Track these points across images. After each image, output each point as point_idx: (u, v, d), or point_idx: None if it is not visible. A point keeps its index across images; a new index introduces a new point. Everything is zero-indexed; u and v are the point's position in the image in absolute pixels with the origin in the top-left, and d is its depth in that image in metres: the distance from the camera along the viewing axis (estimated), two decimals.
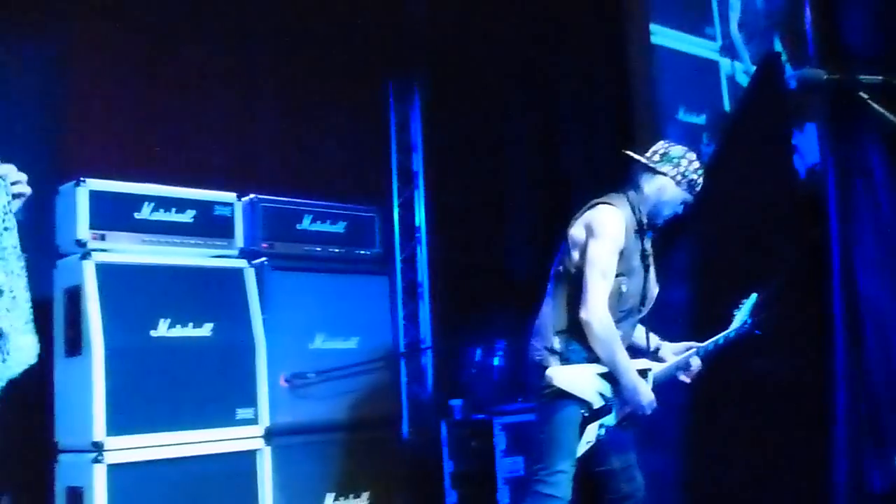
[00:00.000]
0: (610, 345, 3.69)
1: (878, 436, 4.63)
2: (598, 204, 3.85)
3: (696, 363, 3.98)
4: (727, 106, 6.50)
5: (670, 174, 3.86)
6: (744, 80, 6.45)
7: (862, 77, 2.50)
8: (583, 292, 3.70)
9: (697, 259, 5.52)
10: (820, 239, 5.09)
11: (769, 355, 4.70)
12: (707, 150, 6.10)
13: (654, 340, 4.10)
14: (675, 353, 4.03)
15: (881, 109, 2.47)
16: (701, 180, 3.90)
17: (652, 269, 3.94)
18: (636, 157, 3.93)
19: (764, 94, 5.52)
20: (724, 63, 6.57)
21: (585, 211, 3.86)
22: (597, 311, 3.67)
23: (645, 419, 3.84)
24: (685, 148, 3.95)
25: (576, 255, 3.80)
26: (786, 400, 4.97)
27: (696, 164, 3.90)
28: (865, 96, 2.48)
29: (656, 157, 3.91)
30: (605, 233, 3.74)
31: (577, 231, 3.83)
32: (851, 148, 4.93)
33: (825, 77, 2.58)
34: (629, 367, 3.74)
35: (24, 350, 2.71)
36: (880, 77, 2.48)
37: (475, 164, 6.89)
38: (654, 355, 4.06)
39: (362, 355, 5.47)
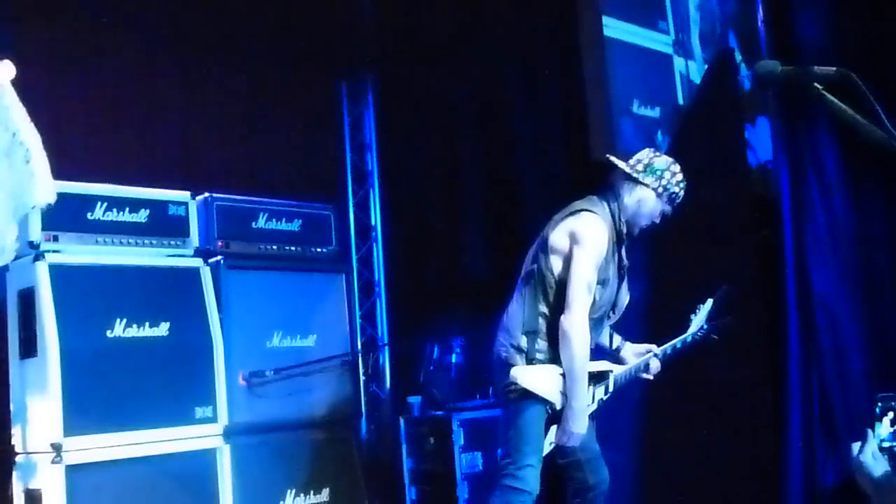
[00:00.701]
0: (580, 362, 3.71)
1: (831, 429, 4.74)
2: (582, 211, 3.83)
3: (655, 364, 4.05)
4: (681, 100, 6.57)
5: (652, 186, 3.85)
6: (698, 80, 6.53)
7: (816, 69, 2.54)
8: (567, 301, 3.70)
9: (651, 258, 5.49)
10: (773, 236, 5.21)
11: (723, 353, 4.77)
12: (662, 144, 6.19)
13: (616, 340, 4.17)
14: (636, 355, 4.10)
15: (836, 101, 2.51)
16: (682, 193, 3.91)
17: (625, 279, 3.96)
18: (619, 163, 3.91)
19: (717, 90, 5.60)
20: (678, 61, 6.64)
21: (567, 216, 3.84)
22: (580, 325, 3.68)
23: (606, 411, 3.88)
24: (670, 159, 3.94)
25: (554, 259, 3.79)
26: (740, 397, 5.06)
27: (679, 177, 3.90)
28: (820, 87, 2.52)
29: (640, 167, 3.88)
30: (591, 244, 3.73)
31: (558, 237, 3.81)
32: (805, 143, 5.04)
33: (780, 69, 2.61)
34: (584, 394, 3.75)
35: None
36: (834, 69, 2.53)
37: (429, 163, 6.91)
38: (615, 354, 4.13)
39: (320, 353, 5.45)
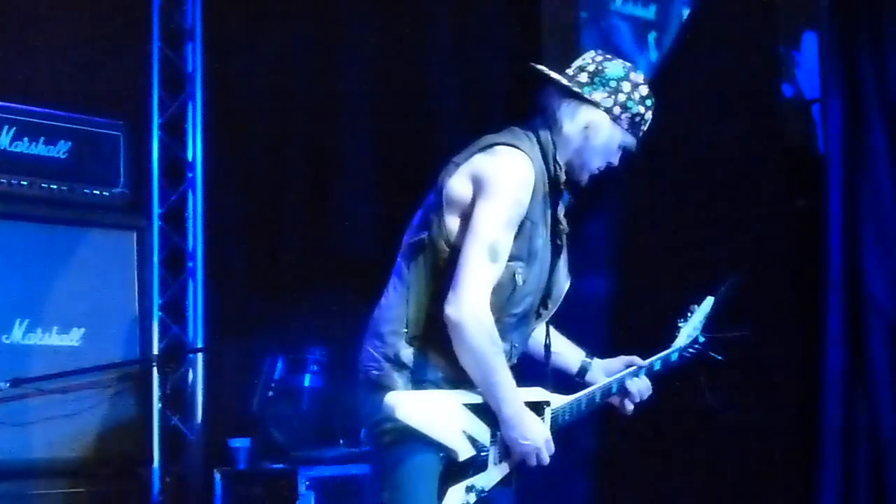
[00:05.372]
0: (487, 360, 3.63)
1: (880, 493, 4.86)
2: (496, 145, 3.75)
3: (638, 386, 4.06)
4: None
5: (605, 104, 3.81)
6: None
7: None
8: (455, 276, 3.63)
9: (625, 237, 5.67)
10: (812, 211, 5.29)
11: (728, 384, 4.80)
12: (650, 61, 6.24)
13: (579, 356, 4.17)
14: (610, 375, 4.10)
15: None
16: (650, 115, 3.89)
17: (564, 253, 3.95)
18: (551, 74, 3.86)
19: None
20: None
21: (475, 153, 3.76)
22: (471, 308, 3.61)
23: (537, 470, 3.79)
24: (627, 64, 3.90)
25: (451, 219, 3.74)
26: (751, 455, 5.16)
27: (644, 91, 3.87)
28: None
29: (583, 77, 3.83)
30: (503, 192, 3.67)
31: (458, 183, 3.74)
32: (870, 73, 5.08)
33: None
34: (513, 394, 3.71)
35: None
36: None
37: (285, 65, 6.89)
38: (580, 377, 4.13)
39: (90, 359, 5.45)
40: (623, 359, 4.09)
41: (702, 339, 4.10)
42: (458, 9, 6.62)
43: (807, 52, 6.40)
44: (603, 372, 4.08)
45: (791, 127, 6.02)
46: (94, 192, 5.67)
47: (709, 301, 4.10)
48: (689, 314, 4.13)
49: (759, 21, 5.67)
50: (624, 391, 4.02)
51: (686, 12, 6.67)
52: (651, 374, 4.06)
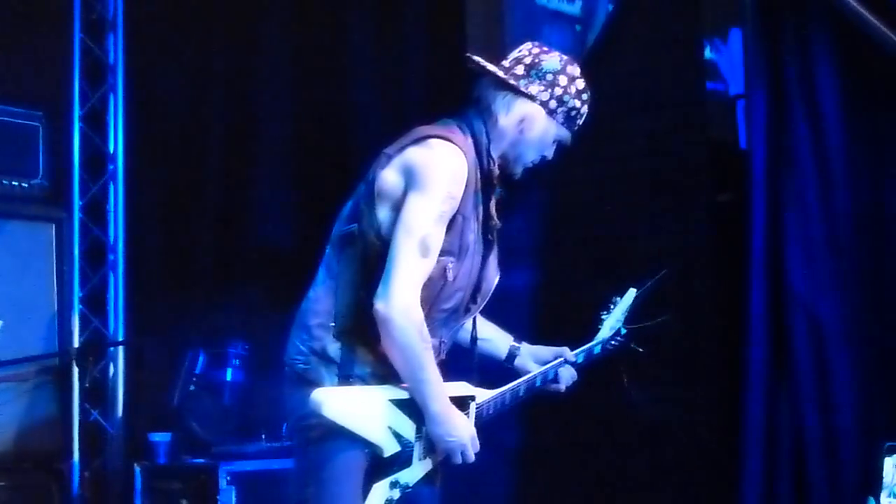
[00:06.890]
0: (415, 356, 3.62)
1: (802, 487, 4.86)
2: (429, 138, 3.75)
3: (569, 374, 4.09)
4: None
5: (541, 98, 3.81)
6: None
7: None
8: (386, 271, 3.61)
9: (550, 229, 5.67)
10: (735, 206, 5.28)
11: (651, 377, 4.82)
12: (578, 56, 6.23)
13: (507, 341, 4.17)
14: (539, 362, 4.11)
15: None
16: (586, 109, 3.89)
17: (495, 247, 3.93)
18: (487, 66, 3.85)
19: None
20: None
21: (407, 146, 3.76)
22: (401, 303, 3.59)
23: (462, 468, 3.77)
24: (564, 57, 3.90)
25: (382, 211, 3.72)
26: (673, 448, 5.17)
27: (581, 84, 3.87)
28: None
29: (520, 70, 3.84)
30: (435, 186, 3.66)
31: (389, 175, 3.73)
32: (794, 65, 5.08)
33: None
34: (440, 391, 3.69)
35: None
36: None
37: (202, 57, 6.86)
38: (509, 363, 4.13)
39: (7, 352, 5.41)
40: (553, 349, 4.11)
41: (624, 332, 4.12)
42: None
43: (733, 48, 6.43)
44: (531, 358, 4.11)
45: (716, 122, 6.05)
46: (13, 182, 5.64)
47: (631, 293, 4.12)
48: (611, 306, 4.15)
49: (684, 17, 5.67)
50: (549, 382, 4.05)
51: (611, 7, 6.66)
52: (575, 367, 4.08)
